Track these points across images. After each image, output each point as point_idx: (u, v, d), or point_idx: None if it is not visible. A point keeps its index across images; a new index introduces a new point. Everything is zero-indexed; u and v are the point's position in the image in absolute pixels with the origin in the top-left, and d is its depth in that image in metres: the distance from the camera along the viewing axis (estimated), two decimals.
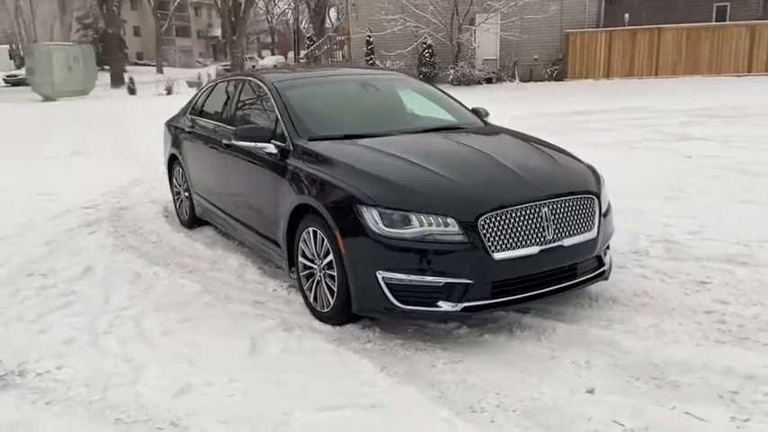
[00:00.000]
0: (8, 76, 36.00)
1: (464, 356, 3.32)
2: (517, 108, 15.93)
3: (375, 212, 3.31)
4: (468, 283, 3.28)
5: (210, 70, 36.26)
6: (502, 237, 3.32)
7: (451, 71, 24.15)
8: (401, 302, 3.32)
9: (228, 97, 5.24)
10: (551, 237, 3.45)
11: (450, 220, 3.27)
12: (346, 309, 3.54)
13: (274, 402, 2.87)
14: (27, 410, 2.87)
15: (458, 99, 5.18)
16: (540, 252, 3.40)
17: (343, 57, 28.03)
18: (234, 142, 4.33)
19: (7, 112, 19.45)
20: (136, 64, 60.34)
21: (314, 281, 3.79)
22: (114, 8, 30.69)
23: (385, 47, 24.75)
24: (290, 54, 59.11)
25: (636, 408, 2.80)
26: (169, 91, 25.24)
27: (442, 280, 3.27)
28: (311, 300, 3.85)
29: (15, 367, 3.28)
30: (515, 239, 3.35)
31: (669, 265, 4.60)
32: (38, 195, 7.60)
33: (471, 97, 20.27)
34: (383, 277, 3.30)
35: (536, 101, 17.90)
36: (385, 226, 3.29)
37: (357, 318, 3.65)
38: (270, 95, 4.51)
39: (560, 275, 3.56)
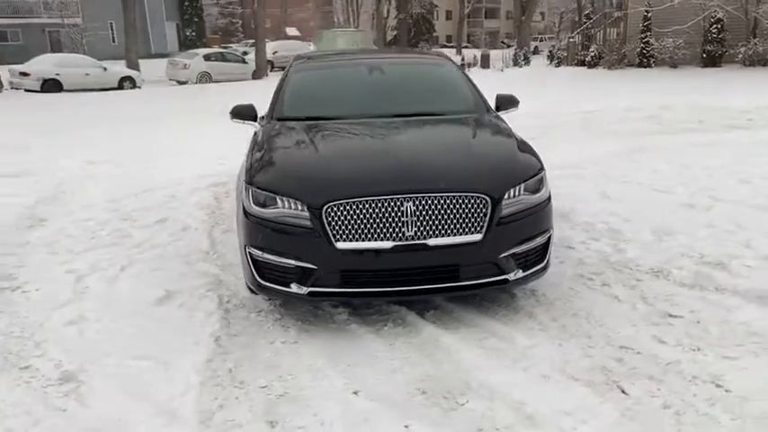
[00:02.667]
0: None
1: (310, 340, 3.39)
2: None
3: (251, 191, 3.54)
4: (313, 269, 3.33)
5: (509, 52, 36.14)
6: (349, 226, 3.26)
7: (742, 49, 20.70)
8: (263, 279, 3.50)
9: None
10: (412, 234, 3.26)
11: (302, 205, 3.33)
12: None
13: (115, 344, 3.36)
14: None
15: (477, 88, 4.86)
16: (394, 247, 3.25)
17: (617, 35, 25.96)
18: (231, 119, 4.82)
19: None
20: (444, 46, 63.98)
21: None
22: None
23: (661, 23, 22.25)
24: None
25: (347, 415, 2.68)
26: None
27: (293, 262, 3.37)
28: None
29: (19, 284, 4.33)
30: (365, 231, 3.26)
31: (669, 290, 3.88)
32: (214, 159, 8.96)
33: (750, 80, 17.12)
34: (250, 253, 3.53)
35: None
36: (254, 204, 3.50)
37: None
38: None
39: (434, 276, 3.34)
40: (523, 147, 3.91)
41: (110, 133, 11.73)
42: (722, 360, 3.02)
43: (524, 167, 3.64)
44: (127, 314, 3.76)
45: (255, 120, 4.63)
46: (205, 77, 26.63)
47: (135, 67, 32.28)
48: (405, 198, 3.27)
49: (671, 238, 4.80)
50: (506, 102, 4.77)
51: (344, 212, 3.27)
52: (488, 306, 3.70)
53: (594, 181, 6.77)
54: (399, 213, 3.26)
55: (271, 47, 37.35)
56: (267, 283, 3.49)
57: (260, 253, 3.47)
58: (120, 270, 4.53)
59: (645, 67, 23.03)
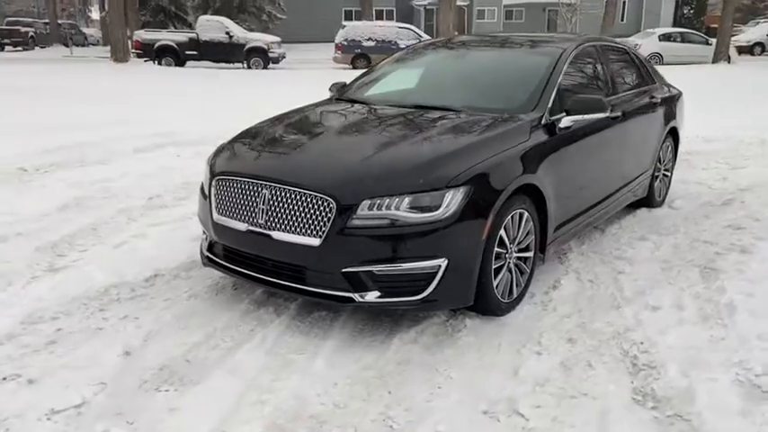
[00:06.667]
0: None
1: (212, 301, 3.61)
2: None
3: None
4: (206, 234, 3.59)
5: None
6: (224, 201, 3.38)
7: None
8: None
9: None
10: (262, 222, 3.18)
11: (210, 174, 3.57)
12: None
13: (123, 258, 4.21)
14: None
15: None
16: (247, 232, 3.24)
17: None
18: None
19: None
20: None
21: None
22: None
23: None
24: None
25: (94, 357, 2.96)
26: None
27: (203, 227, 3.69)
28: None
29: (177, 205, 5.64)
30: (232, 209, 3.33)
31: (597, 390, 2.72)
32: None
33: None
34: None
35: None
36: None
37: None
38: None
39: (283, 272, 3.20)
40: (466, 155, 3.17)
41: None
42: None
43: (420, 179, 3.01)
44: (172, 240, 4.56)
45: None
46: (655, 58, 25.09)
47: None
48: (263, 185, 3.19)
49: None
50: (581, 106, 3.76)
51: (224, 187, 3.38)
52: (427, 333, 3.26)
53: None
54: (258, 199, 3.21)
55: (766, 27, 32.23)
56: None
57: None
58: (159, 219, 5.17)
59: None
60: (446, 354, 3.03)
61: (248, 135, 3.86)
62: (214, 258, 3.56)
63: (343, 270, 2.99)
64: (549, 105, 3.74)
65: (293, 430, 2.45)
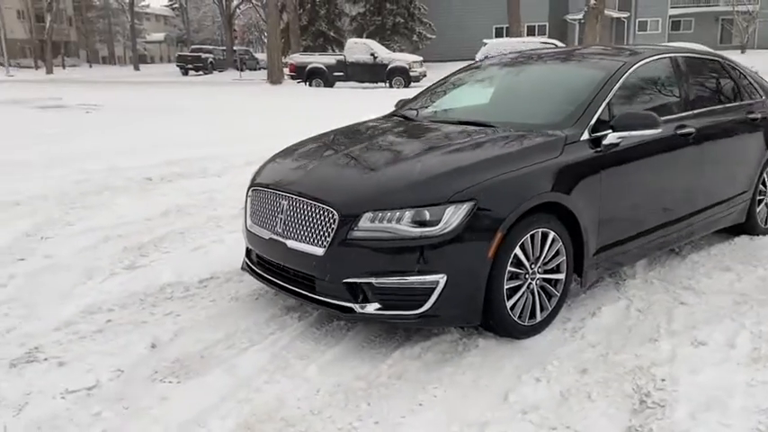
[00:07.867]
0: None
1: (251, 304, 3.89)
2: None
3: None
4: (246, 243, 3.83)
5: None
6: (254, 210, 3.60)
7: None
8: None
9: None
10: (280, 230, 3.35)
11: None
12: None
13: (188, 260, 4.68)
14: None
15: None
16: (269, 240, 3.42)
17: None
18: None
19: None
20: None
21: None
22: None
23: None
24: None
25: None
26: None
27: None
28: None
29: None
30: (260, 218, 3.53)
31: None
32: None
33: None
34: None
35: None
36: None
37: None
38: None
39: (298, 279, 3.34)
40: (475, 171, 3.09)
41: None
42: None
43: (420, 194, 3.00)
44: (241, 246, 4.83)
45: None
46: None
47: None
48: (283, 195, 3.36)
49: None
50: (628, 122, 3.51)
51: (256, 197, 3.61)
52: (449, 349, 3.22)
53: None
54: (278, 209, 3.38)
55: None
56: None
57: None
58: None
59: None
60: (444, 372, 2.96)
61: (286, 151, 4.06)
62: (250, 264, 3.78)
63: (345, 280, 3.06)
64: (593, 122, 3.53)
65: (261, 429, 2.55)
